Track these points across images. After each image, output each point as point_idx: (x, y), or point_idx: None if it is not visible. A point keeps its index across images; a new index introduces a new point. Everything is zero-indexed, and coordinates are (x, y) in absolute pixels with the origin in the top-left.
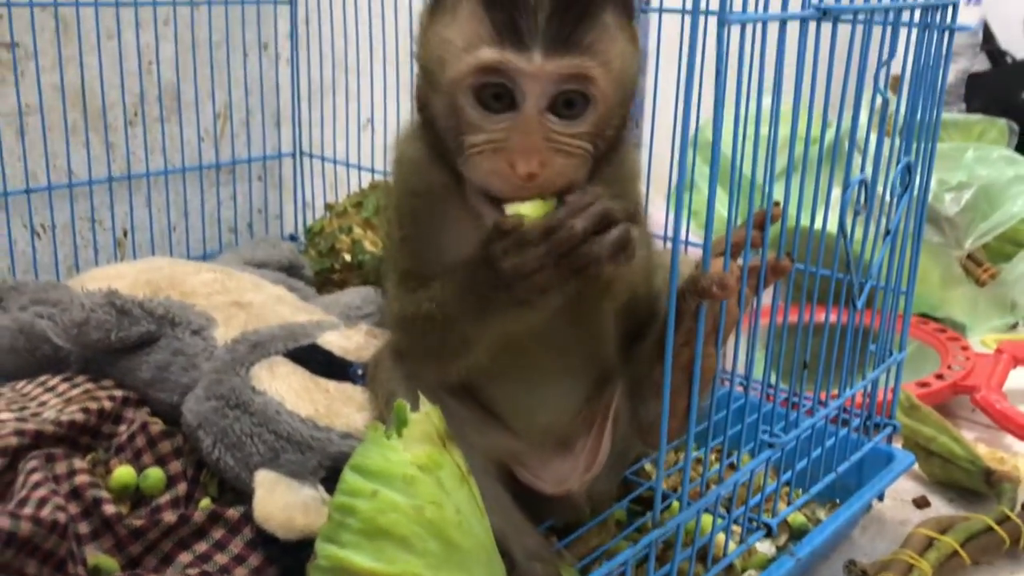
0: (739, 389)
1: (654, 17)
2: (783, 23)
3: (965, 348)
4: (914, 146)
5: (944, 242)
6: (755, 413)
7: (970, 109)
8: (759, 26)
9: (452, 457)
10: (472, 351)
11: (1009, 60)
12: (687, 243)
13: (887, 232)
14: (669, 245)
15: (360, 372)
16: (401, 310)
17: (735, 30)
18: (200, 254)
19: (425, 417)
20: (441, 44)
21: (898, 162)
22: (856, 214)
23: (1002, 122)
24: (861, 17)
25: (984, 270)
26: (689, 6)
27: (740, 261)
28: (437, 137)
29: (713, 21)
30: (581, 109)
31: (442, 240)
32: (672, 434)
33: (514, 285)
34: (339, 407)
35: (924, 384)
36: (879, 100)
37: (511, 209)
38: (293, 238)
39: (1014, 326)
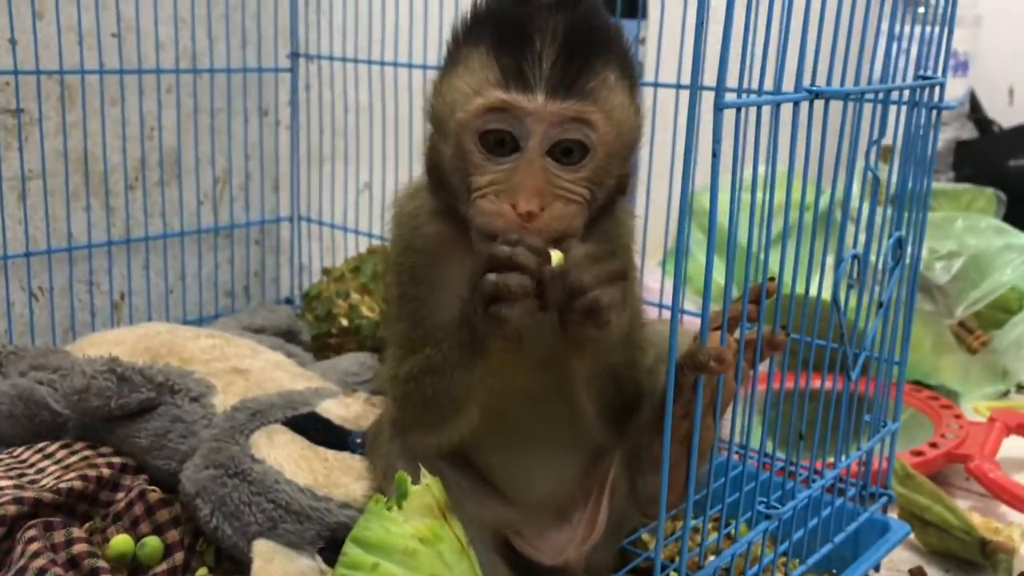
0: (736, 457)
1: (648, 90)
2: (776, 105)
3: (958, 416)
4: (905, 218)
5: (935, 310)
6: (752, 482)
7: (959, 177)
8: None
9: (453, 529)
10: (461, 410)
11: (996, 129)
12: (682, 311)
13: (880, 304)
14: (665, 313)
15: (359, 441)
16: (395, 372)
17: (729, 114)
18: (196, 318)
19: (426, 489)
20: (451, 92)
21: (890, 235)
22: (849, 287)
23: (990, 191)
24: (852, 97)
25: (975, 337)
26: (682, 80)
27: (736, 334)
28: (442, 189)
29: (707, 96)
30: (579, 156)
31: (440, 297)
32: (670, 505)
33: (491, 309)
34: (338, 476)
35: (918, 452)
36: (870, 176)
37: None
38: (289, 301)
39: (1006, 394)
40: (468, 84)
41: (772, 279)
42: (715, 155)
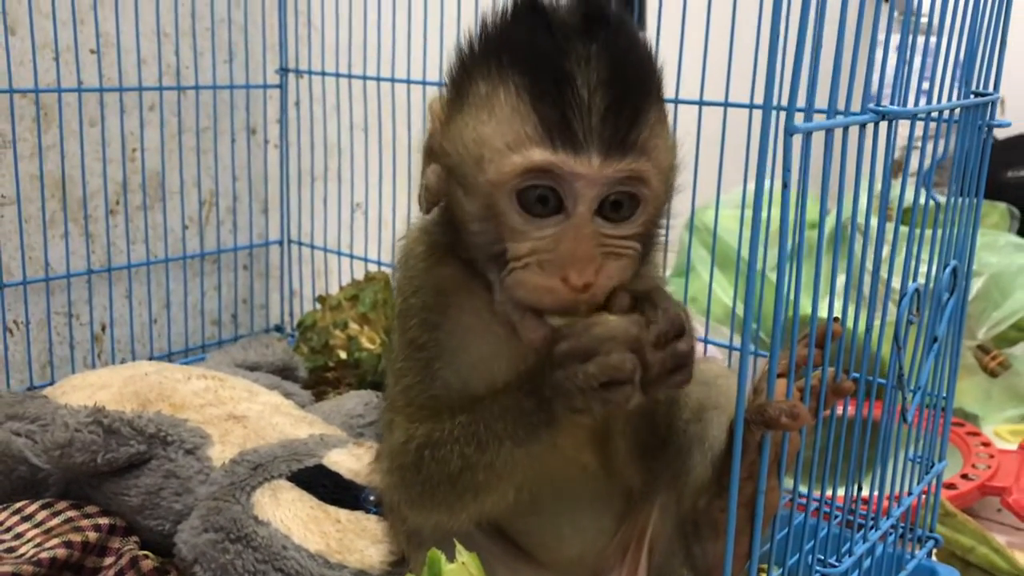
0: (786, 506)
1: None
2: (845, 128)
3: (986, 444)
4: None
5: None
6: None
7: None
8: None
9: None
10: (496, 489)
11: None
12: (705, 340)
13: (934, 339)
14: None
15: (373, 499)
16: (405, 437)
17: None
18: (182, 348)
19: (461, 568)
20: (477, 142)
21: (945, 265)
22: (909, 323)
23: (1003, 206)
24: (920, 117)
25: (992, 357)
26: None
27: (800, 383)
28: (456, 237)
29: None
30: (630, 211)
31: (453, 344)
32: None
33: (574, 395)
34: (352, 540)
35: (950, 485)
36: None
37: (556, 321)
38: (279, 329)
39: None
40: (500, 137)
41: (836, 319)
42: (785, 185)
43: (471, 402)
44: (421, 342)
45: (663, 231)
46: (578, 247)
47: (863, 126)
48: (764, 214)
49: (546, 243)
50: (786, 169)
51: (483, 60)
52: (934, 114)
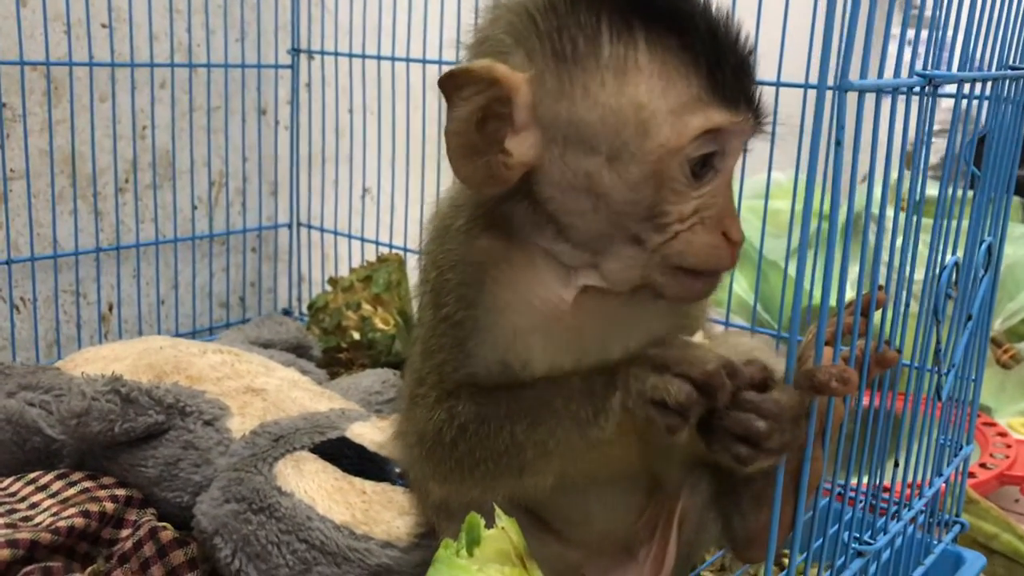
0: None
1: None
2: (894, 90)
3: (1003, 435)
4: (988, 224)
5: None
6: (836, 519)
7: None
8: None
9: None
10: (541, 470)
11: None
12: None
13: (969, 317)
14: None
15: (399, 471)
16: (445, 416)
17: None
18: (190, 330)
19: (501, 533)
20: (634, 107)
21: (981, 241)
22: (947, 297)
23: (1016, 199)
24: (965, 89)
25: (1004, 351)
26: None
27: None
28: (496, 205)
29: None
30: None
31: (489, 319)
32: (777, 547)
33: (665, 420)
34: (379, 512)
35: (969, 474)
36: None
37: None
38: (287, 312)
39: None
40: (666, 101)
41: (881, 287)
42: (839, 143)
43: (515, 381)
44: (457, 319)
45: None
46: (730, 201)
47: (910, 89)
48: (778, 204)
49: (705, 200)
50: (840, 127)
51: (607, 18)
52: (979, 84)
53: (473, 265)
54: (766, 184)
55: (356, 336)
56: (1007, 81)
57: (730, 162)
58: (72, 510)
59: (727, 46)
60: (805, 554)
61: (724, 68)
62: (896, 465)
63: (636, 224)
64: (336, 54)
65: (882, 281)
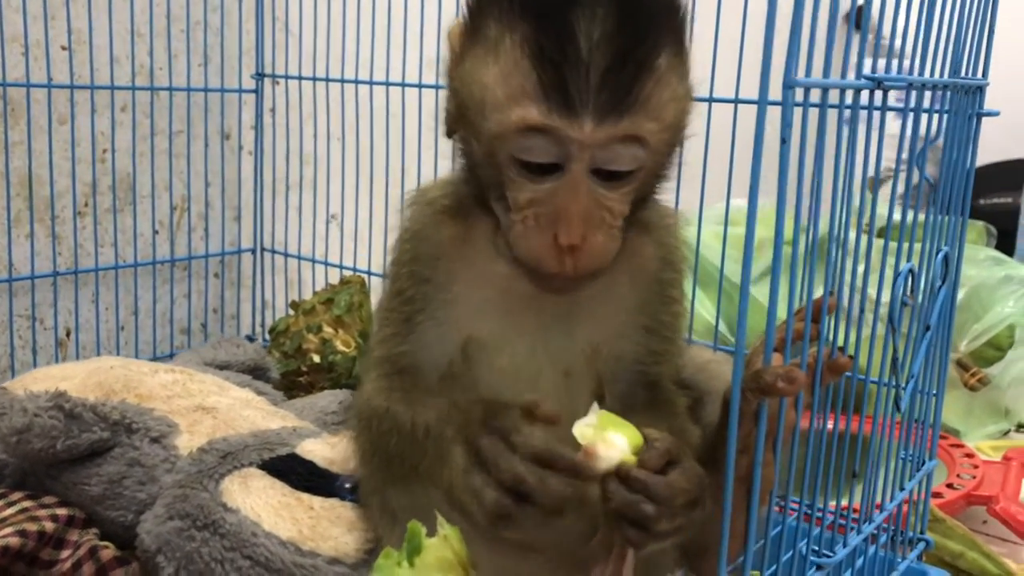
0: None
1: None
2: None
3: (970, 456)
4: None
5: None
6: (788, 531)
7: None
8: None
9: None
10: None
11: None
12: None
13: (927, 327)
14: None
15: (349, 486)
16: (370, 399)
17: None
18: (149, 356)
19: (443, 542)
20: (480, 87)
21: (937, 250)
22: (903, 305)
23: (980, 224)
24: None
25: (971, 374)
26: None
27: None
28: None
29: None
30: (626, 172)
31: (441, 295)
32: (730, 558)
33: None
34: (326, 528)
35: (936, 495)
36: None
37: (577, 431)
38: (250, 339)
39: (1006, 433)
40: (501, 88)
41: (832, 293)
42: (784, 141)
43: (446, 388)
44: (409, 294)
45: (661, 188)
46: (570, 204)
47: (858, 92)
48: (740, 230)
49: (542, 195)
50: (786, 124)
51: (507, 1)
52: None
53: (429, 241)
54: (725, 206)
55: (316, 359)
56: (956, 93)
57: (576, 166)
58: (9, 529)
59: (587, 50)
60: (773, 567)
61: (569, 71)
62: (854, 475)
63: (496, 203)
64: (300, 78)
65: (834, 289)
